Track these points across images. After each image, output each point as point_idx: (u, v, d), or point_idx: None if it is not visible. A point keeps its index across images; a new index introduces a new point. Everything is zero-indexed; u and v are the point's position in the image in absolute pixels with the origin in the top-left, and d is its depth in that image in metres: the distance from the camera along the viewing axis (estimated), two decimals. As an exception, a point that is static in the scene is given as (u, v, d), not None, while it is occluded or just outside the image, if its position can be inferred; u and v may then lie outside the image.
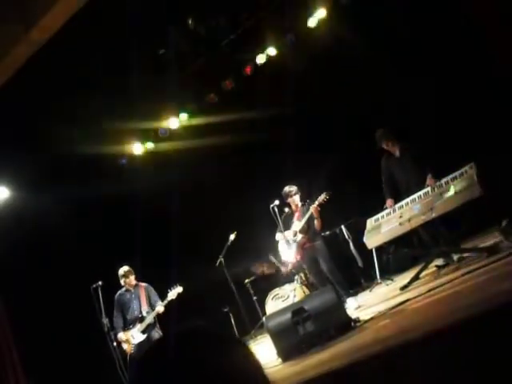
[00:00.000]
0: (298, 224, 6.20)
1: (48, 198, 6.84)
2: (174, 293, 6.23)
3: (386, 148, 5.74)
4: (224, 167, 8.05)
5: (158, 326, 6.22)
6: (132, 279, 6.31)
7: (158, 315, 6.22)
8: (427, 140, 5.89)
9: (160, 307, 6.16)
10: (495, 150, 5.64)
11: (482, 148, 5.73)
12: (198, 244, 8.01)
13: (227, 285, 7.40)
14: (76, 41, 5.31)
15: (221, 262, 7.42)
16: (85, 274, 6.46)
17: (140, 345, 6.04)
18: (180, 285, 6.28)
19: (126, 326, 6.20)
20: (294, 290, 6.54)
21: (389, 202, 5.61)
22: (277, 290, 6.74)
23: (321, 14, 6.99)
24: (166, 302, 6.21)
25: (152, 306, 6.25)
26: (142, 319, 6.15)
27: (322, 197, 5.97)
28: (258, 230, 7.17)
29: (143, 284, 6.39)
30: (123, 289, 6.35)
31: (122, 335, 6.12)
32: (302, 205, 6.29)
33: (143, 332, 6.11)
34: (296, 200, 6.25)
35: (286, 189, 6.27)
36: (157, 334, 6.12)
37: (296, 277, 6.86)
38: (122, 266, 6.37)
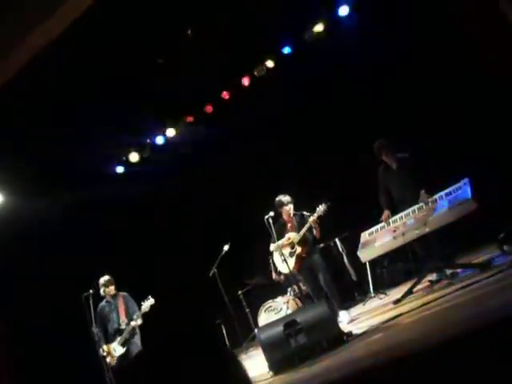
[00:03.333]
0: (295, 236, 6.17)
1: (41, 204, 6.81)
2: (146, 305, 6.19)
3: (384, 160, 5.75)
4: (219, 177, 8.05)
5: (137, 338, 6.18)
6: (112, 289, 6.35)
7: (143, 326, 6.17)
8: (425, 153, 5.91)
9: (135, 321, 6.14)
10: (490, 165, 5.68)
11: (477, 162, 5.76)
12: (191, 254, 7.97)
13: (220, 296, 7.36)
14: (75, 47, 5.33)
15: (214, 273, 7.38)
16: (76, 282, 6.41)
17: (121, 358, 6.04)
18: (152, 297, 6.23)
19: (108, 338, 6.20)
20: (287, 302, 6.50)
21: (385, 213, 5.60)
22: (270, 303, 6.70)
23: (318, 28, 7.10)
24: (139, 313, 6.17)
25: (130, 317, 6.22)
26: (120, 332, 6.15)
27: (322, 208, 5.93)
28: (251, 240, 7.15)
29: (122, 293, 6.41)
30: (103, 301, 6.37)
31: (104, 348, 6.11)
32: (294, 214, 6.26)
33: (123, 345, 6.10)
34: (289, 210, 6.22)
35: (280, 198, 6.23)
36: (136, 346, 6.08)
37: (289, 289, 6.83)
38: (103, 276, 6.38)
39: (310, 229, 6.05)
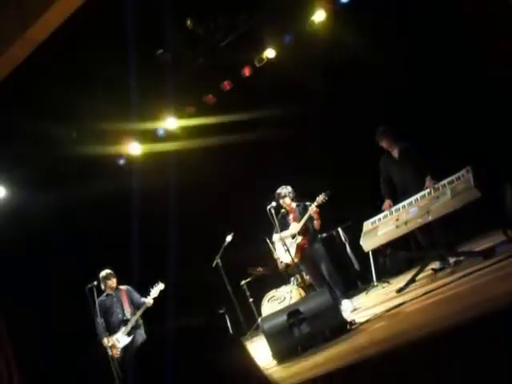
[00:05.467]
0: (296, 226, 6.18)
1: (44, 197, 6.81)
2: (156, 290, 6.19)
3: (385, 147, 5.73)
4: (221, 168, 8.04)
5: (142, 328, 6.17)
6: (113, 282, 6.25)
7: (147, 316, 6.17)
8: (427, 141, 5.88)
9: (149, 299, 6.12)
10: (493, 153, 5.65)
11: (479, 150, 5.74)
12: (194, 244, 7.99)
13: (223, 286, 7.38)
14: (74, 40, 5.30)
15: (217, 263, 7.40)
16: (80, 274, 6.43)
17: (126, 348, 5.96)
18: (161, 281, 6.22)
19: (110, 330, 6.08)
20: (291, 291, 6.53)
21: (387, 202, 5.60)
22: (273, 292, 6.73)
23: (320, 15, 7.03)
24: (149, 298, 6.15)
25: (135, 305, 6.19)
26: (126, 322, 6.08)
27: (321, 197, 5.95)
28: (254, 231, 7.16)
29: (123, 287, 6.33)
30: (103, 295, 6.23)
31: (106, 341, 5.96)
32: (297, 205, 6.27)
33: (128, 334, 6.04)
34: (287, 202, 6.22)
35: (279, 190, 6.25)
36: (141, 336, 6.05)
37: (292, 278, 6.86)
38: (104, 269, 6.29)
39: (311, 218, 6.06)
